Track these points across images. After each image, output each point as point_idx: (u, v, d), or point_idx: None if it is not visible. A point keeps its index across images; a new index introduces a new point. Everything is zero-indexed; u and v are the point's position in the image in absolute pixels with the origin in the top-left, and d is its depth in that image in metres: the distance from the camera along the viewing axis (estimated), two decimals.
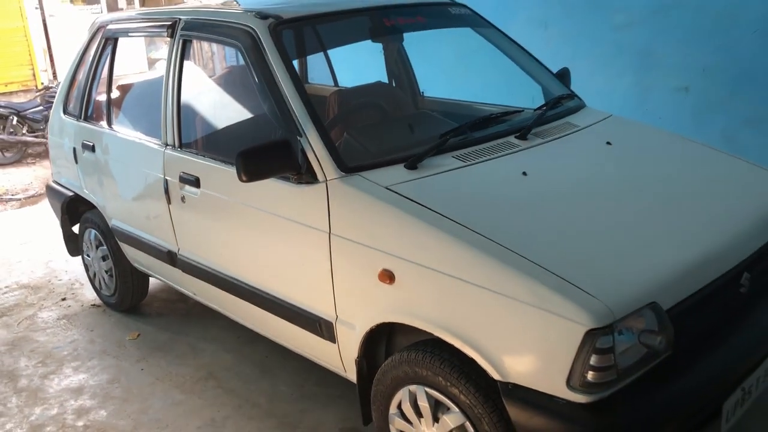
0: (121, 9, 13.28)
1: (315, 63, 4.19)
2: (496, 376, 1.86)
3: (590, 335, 1.69)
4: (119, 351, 3.45)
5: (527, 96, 3.12)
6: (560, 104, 2.95)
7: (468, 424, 2.00)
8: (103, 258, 3.74)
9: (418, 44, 4.77)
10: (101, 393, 3.09)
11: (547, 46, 5.00)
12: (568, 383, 1.73)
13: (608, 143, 2.60)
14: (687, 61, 4.39)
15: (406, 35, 3.94)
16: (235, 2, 3.54)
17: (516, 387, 1.82)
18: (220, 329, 3.56)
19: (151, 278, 3.77)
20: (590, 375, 1.71)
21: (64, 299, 4.09)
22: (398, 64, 3.67)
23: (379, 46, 3.62)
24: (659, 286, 1.84)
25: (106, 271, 3.77)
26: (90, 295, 4.08)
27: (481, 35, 3.25)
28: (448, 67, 5.17)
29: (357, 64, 4.10)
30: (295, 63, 3.76)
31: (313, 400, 2.91)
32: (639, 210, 2.18)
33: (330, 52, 3.96)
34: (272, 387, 3.03)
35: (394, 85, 3.70)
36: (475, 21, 3.22)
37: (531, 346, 1.80)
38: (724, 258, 2.03)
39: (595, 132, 2.70)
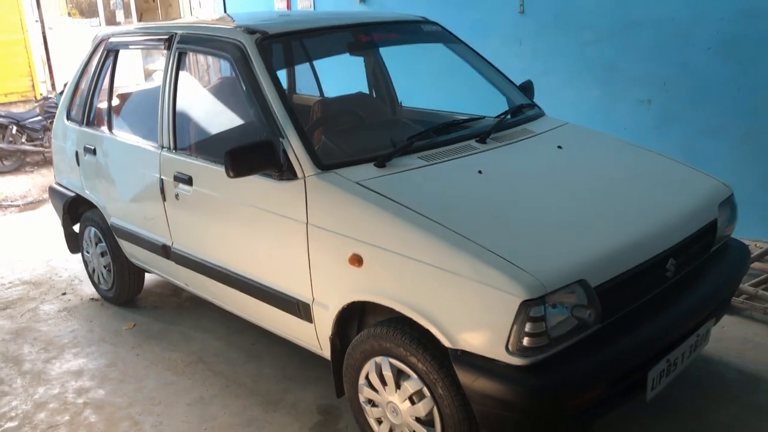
0: (119, 23, 13.62)
1: (304, 75, 4.49)
2: (447, 344, 2.14)
3: (524, 305, 1.97)
4: (116, 339, 3.72)
5: (494, 106, 3.41)
6: (521, 112, 3.25)
7: (425, 389, 2.28)
8: (102, 254, 4.02)
9: (402, 59, 5.11)
10: (99, 375, 3.35)
11: (521, 61, 5.33)
12: (507, 348, 2.01)
13: (559, 147, 2.90)
14: (649, 76, 4.71)
15: (390, 52, 4.27)
16: (229, 17, 3.85)
17: (464, 353, 2.11)
18: (211, 320, 3.83)
19: (146, 274, 4.05)
20: (525, 340, 2.00)
21: (64, 294, 4.36)
22: (377, 76, 3.97)
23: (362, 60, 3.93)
24: (588, 266, 2.13)
25: (105, 267, 4.04)
26: (89, 290, 4.35)
27: (451, 50, 3.55)
28: (429, 80, 5.49)
29: (345, 77, 4.40)
30: (285, 75, 4.13)
31: (295, 380, 3.19)
32: (577, 202, 2.48)
33: (321, 65, 4.26)
34: (257, 370, 3.30)
35: (374, 95, 4.00)
36: (446, 37, 3.53)
37: (475, 316, 2.08)
38: (650, 245, 2.32)
39: (549, 137, 3.00)
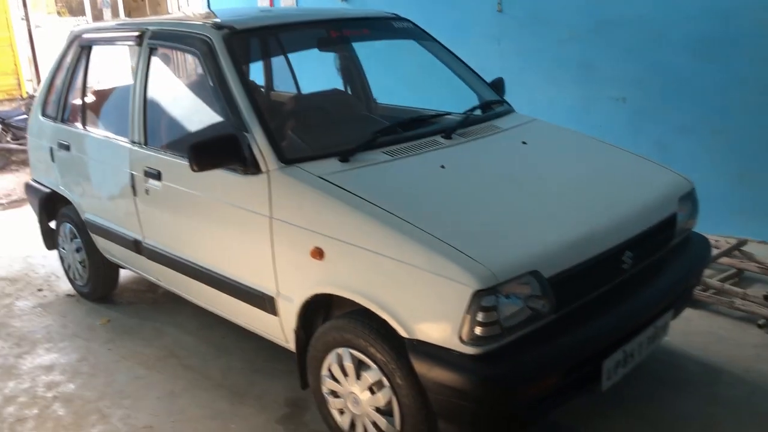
0: (107, 21, 13.59)
1: (282, 72, 4.51)
2: (403, 334, 2.17)
3: (477, 295, 2.00)
4: (90, 334, 3.74)
5: (467, 102, 3.43)
6: (490, 109, 3.29)
7: (384, 379, 2.30)
8: (77, 250, 4.03)
9: (382, 57, 5.14)
10: (70, 369, 3.37)
11: (500, 59, 5.38)
12: (460, 338, 2.04)
13: (524, 142, 2.94)
14: (624, 74, 4.77)
15: (369, 50, 4.30)
16: (212, 12, 3.87)
17: (419, 343, 2.13)
18: (185, 316, 3.85)
19: (122, 270, 4.07)
20: (478, 330, 2.03)
21: (40, 290, 4.37)
22: (353, 73, 4.00)
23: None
24: (542, 257, 2.16)
25: (80, 262, 4.06)
26: (65, 286, 4.36)
27: (423, 47, 3.58)
28: (409, 78, 5.51)
29: (331, 74, 4.42)
30: (261, 72, 4.16)
31: (263, 373, 3.21)
32: (535, 196, 2.52)
33: (306, 63, 4.28)
34: (227, 363, 3.33)
35: (349, 92, 4.03)
36: (418, 34, 3.56)
37: (430, 306, 2.11)
38: (605, 238, 2.36)
39: (515, 133, 3.04)
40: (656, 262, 2.62)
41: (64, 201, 4.04)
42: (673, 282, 2.60)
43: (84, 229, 3.88)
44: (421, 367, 2.12)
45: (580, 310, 2.28)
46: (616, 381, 2.39)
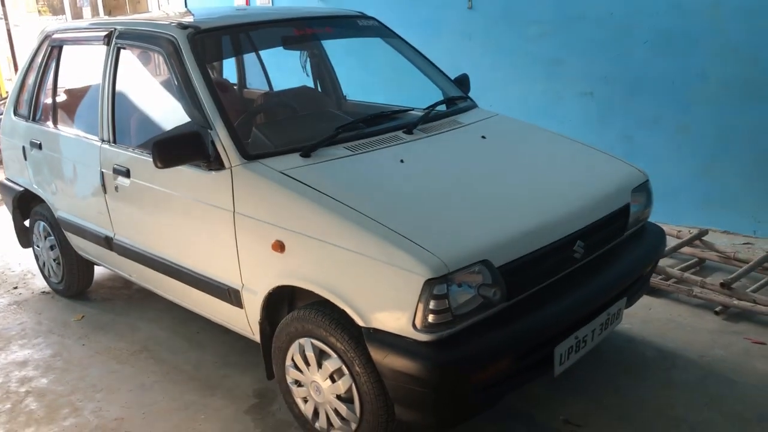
0: (79, 20, 13.53)
1: (254, 70, 4.56)
2: (360, 323, 2.24)
3: (428, 284, 2.08)
4: (64, 330, 3.78)
5: (433, 98, 3.51)
6: (454, 104, 3.37)
7: (344, 367, 2.38)
8: (51, 247, 4.08)
9: (354, 54, 5.21)
10: (44, 365, 3.42)
11: (471, 56, 5.47)
12: (414, 325, 2.12)
13: (483, 137, 3.02)
14: (590, 69, 4.87)
15: (341, 48, 4.36)
16: (188, 11, 3.92)
17: (375, 331, 2.21)
18: (158, 311, 3.91)
19: (97, 267, 4.12)
20: (430, 317, 2.10)
21: (15, 287, 4.41)
22: (322, 70, 4.07)
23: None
24: (492, 247, 2.24)
25: (54, 260, 4.10)
26: (41, 283, 4.40)
27: (389, 45, 3.65)
28: (382, 75, 5.58)
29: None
30: (233, 68, 4.22)
31: (234, 367, 3.28)
32: (490, 189, 2.61)
33: (283, 60, 4.34)
34: (199, 357, 3.39)
35: (319, 89, 4.10)
36: (383, 32, 3.63)
37: (385, 295, 2.19)
38: (556, 228, 2.44)
39: (475, 128, 3.12)
40: (610, 251, 2.72)
41: (38, 199, 4.09)
42: (625, 270, 2.69)
43: (57, 227, 3.92)
44: (378, 355, 2.20)
45: (533, 298, 2.37)
46: (569, 366, 2.48)
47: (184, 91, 2.82)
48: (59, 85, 3.86)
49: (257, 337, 2.78)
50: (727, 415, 2.70)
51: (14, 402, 3.11)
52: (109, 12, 14.76)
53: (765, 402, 2.77)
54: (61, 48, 3.83)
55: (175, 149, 2.61)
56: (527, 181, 2.71)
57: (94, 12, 13.65)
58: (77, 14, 14.46)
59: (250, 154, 2.64)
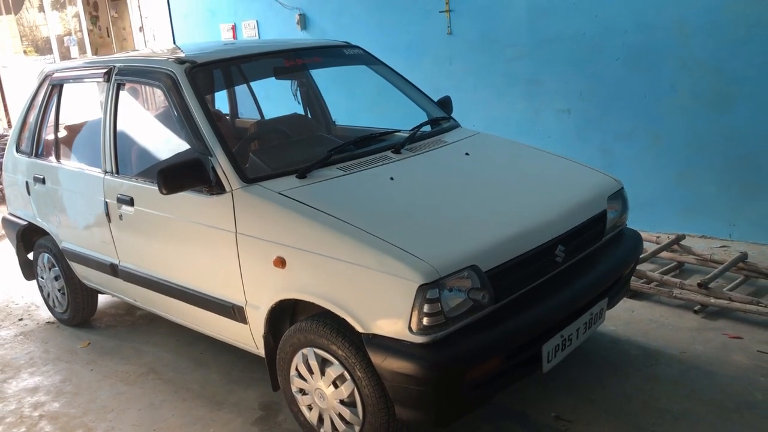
0: (76, 59, 13.74)
1: (246, 100, 4.75)
2: (360, 329, 2.41)
3: (422, 289, 2.25)
4: (71, 357, 3.91)
5: (417, 120, 3.69)
6: (438, 125, 3.57)
7: (346, 373, 2.53)
8: (56, 278, 4.22)
9: (341, 82, 5.43)
10: (54, 390, 3.54)
11: (452, 79, 5.70)
12: (410, 328, 2.28)
13: (467, 154, 3.22)
14: (567, 87, 5.10)
15: (328, 76, 4.56)
16: (177, 47, 4.11)
17: (374, 336, 2.37)
18: (162, 335, 4.05)
19: (100, 296, 4.26)
20: (425, 320, 2.27)
21: (21, 319, 4.53)
22: (311, 97, 4.27)
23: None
24: (480, 253, 2.42)
25: (59, 290, 4.24)
26: (45, 314, 4.53)
27: (374, 71, 3.86)
28: (368, 101, 5.81)
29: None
30: (225, 100, 4.41)
31: (239, 383, 3.41)
32: (475, 200, 2.79)
33: (272, 90, 4.53)
34: (204, 376, 3.53)
35: (309, 115, 4.29)
36: (369, 59, 3.84)
37: (381, 302, 2.35)
38: (538, 234, 2.63)
39: (459, 146, 3.31)
40: (589, 255, 2.90)
41: (41, 232, 4.24)
42: (604, 273, 2.87)
43: (62, 258, 4.07)
44: (377, 358, 2.36)
45: (519, 300, 2.54)
46: (556, 363, 2.64)
47: (184, 121, 3.01)
48: (60, 121, 4.03)
49: (261, 351, 2.92)
50: (708, 404, 2.87)
51: (29, 426, 3.23)
52: (96, 50, 14.98)
53: (743, 391, 2.94)
54: (61, 86, 4.00)
55: (179, 176, 2.79)
56: (509, 192, 2.91)
57: (82, 50, 13.87)
58: (64, 54, 14.67)
59: (249, 177, 2.82)
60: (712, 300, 3.62)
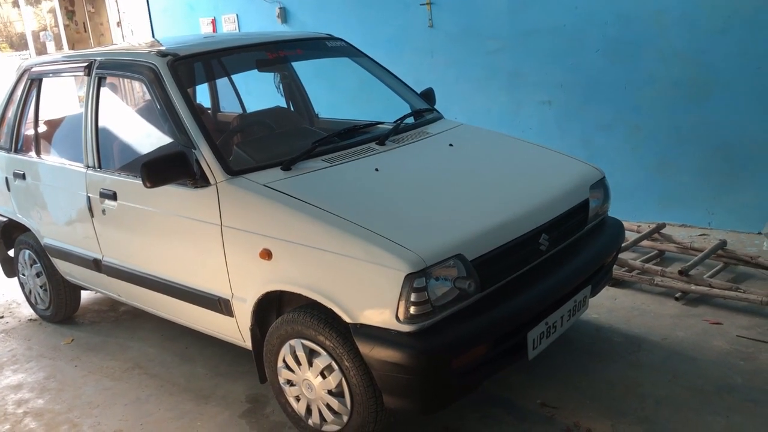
0: (54, 53, 13.57)
1: (228, 94, 4.73)
2: (347, 319, 2.42)
3: (409, 278, 2.26)
4: (55, 354, 3.88)
5: (400, 111, 3.70)
6: (421, 116, 3.58)
7: (333, 363, 2.55)
8: (38, 275, 4.18)
9: (321, 74, 5.42)
10: (38, 387, 3.52)
11: (434, 71, 5.72)
12: (397, 317, 2.30)
13: (450, 145, 3.23)
14: (548, 79, 5.14)
15: (311, 69, 4.55)
16: (156, 41, 4.08)
17: (362, 326, 2.38)
18: (147, 330, 4.03)
19: (83, 292, 4.23)
20: (412, 309, 2.28)
21: (2, 317, 4.48)
22: (294, 90, 4.26)
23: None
24: (465, 242, 2.44)
25: (41, 287, 4.20)
26: (27, 311, 4.49)
27: (357, 63, 3.86)
28: (351, 93, 5.81)
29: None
30: (206, 94, 4.39)
31: (225, 376, 3.41)
32: (459, 190, 2.81)
33: (248, 85, 4.52)
34: (190, 370, 3.52)
35: (292, 108, 4.28)
36: (351, 51, 3.84)
37: (369, 292, 2.36)
38: (522, 223, 2.65)
39: (442, 137, 3.33)
40: (572, 243, 2.93)
41: (22, 228, 4.19)
42: (588, 260, 2.91)
43: (44, 254, 4.03)
44: (365, 348, 2.37)
45: (504, 288, 2.57)
46: (541, 350, 2.68)
47: (167, 114, 2.99)
48: (40, 116, 3.99)
49: (248, 344, 2.93)
50: (689, 388, 2.92)
51: (13, 423, 3.21)
52: (72, 46, 14.81)
53: (722, 375, 2.99)
54: (40, 81, 3.96)
55: (163, 169, 2.77)
56: (493, 182, 2.93)
57: (58, 45, 13.70)
58: (40, 50, 14.49)
59: (233, 170, 2.82)
60: (693, 287, 3.68)
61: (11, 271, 4.48)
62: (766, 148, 4.29)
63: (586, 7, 4.79)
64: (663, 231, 4.42)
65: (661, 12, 4.47)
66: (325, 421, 2.68)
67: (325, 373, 2.59)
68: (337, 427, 2.65)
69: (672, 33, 4.46)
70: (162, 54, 3.13)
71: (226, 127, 4.01)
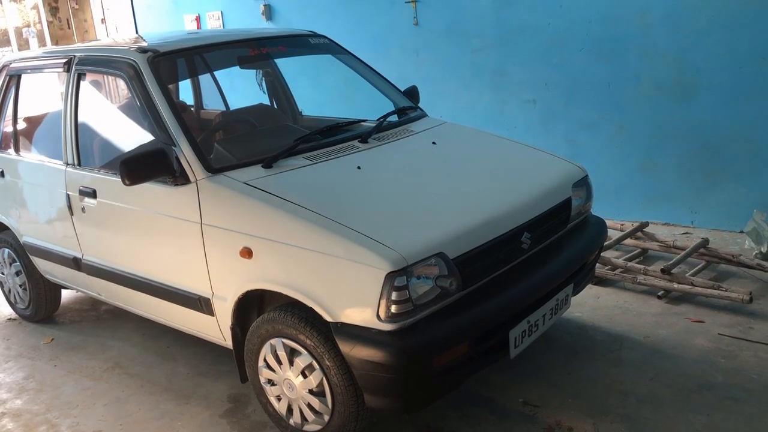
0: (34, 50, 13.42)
1: (210, 89, 4.69)
2: (328, 318, 2.40)
3: (389, 277, 2.25)
4: (34, 353, 3.83)
5: (384, 109, 3.68)
6: (405, 114, 3.57)
7: (314, 363, 2.53)
8: (17, 273, 4.13)
9: (305, 71, 5.39)
10: (17, 387, 3.47)
11: (419, 70, 5.70)
12: (378, 316, 2.28)
13: (433, 143, 3.22)
14: (532, 78, 5.14)
15: (295, 67, 4.52)
16: (139, 37, 4.04)
17: (343, 325, 2.37)
18: (127, 330, 3.99)
19: (63, 291, 4.18)
20: (393, 308, 2.27)
21: None
22: (277, 88, 4.23)
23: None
24: (446, 241, 2.43)
25: (20, 286, 4.15)
26: (6, 311, 4.43)
27: (340, 61, 3.84)
28: (336, 91, 5.79)
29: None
30: (189, 91, 4.35)
31: (207, 376, 3.38)
32: (442, 189, 2.80)
33: (231, 82, 4.48)
34: (172, 369, 3.49)
35: (275, 106, 4.25)
36: (334, 49, 3.82)
37: (349, 291, 2.35)
38: (504, 221, 2.64)
39: (426, 135, 3.32)
40: (555, 242, 2.93)
41: (1, 227, 4.13)
42: (570, 259, 2.91)
43: (23, 253, 3.98)
44: (346, 347, 2.35)
45: (486, 287, 2.56)
46: (523, 349, 2.67)
47: (147, 111, 2.96)
48: (19, 113, 3.94)
49: (229, 343, 2.90)
50: (671, 386, 2.93)
51: None
52: (56, 42, 14.68)
53: (704, 373, 3.00)
54: (19, 77, 3.91)
55: (142, 166, 2.74)
56: (475, 180, 2.92)
57: (41, 42, 13.57)
58: (23, 46, 14.35)
59: (213, 167, 2.79)
60: (675, 285, 3.69)
61: None
62: (749, 148, 4.32)
63: (571, 6, 4.80)
64: (646, 229, 4.43)
65: (645, 11, 4.48)
66: (306, 420, 2.66)
67: (306, 372, 2.57)
68: (319, 427, 2.63)
69: (656, 32, 4.48)
70: (142, 50, 3.10)
71: (208, 124, 3.98)
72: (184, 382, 3.36)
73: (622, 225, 4.52)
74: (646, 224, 4.46)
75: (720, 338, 3.27)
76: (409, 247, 2.33)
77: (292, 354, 2.61)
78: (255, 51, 3.51)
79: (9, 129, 3.95)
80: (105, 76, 3.44)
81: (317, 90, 5.61)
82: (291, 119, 4.12)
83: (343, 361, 2.41)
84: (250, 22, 6.88)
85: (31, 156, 3.82)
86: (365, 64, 3.87)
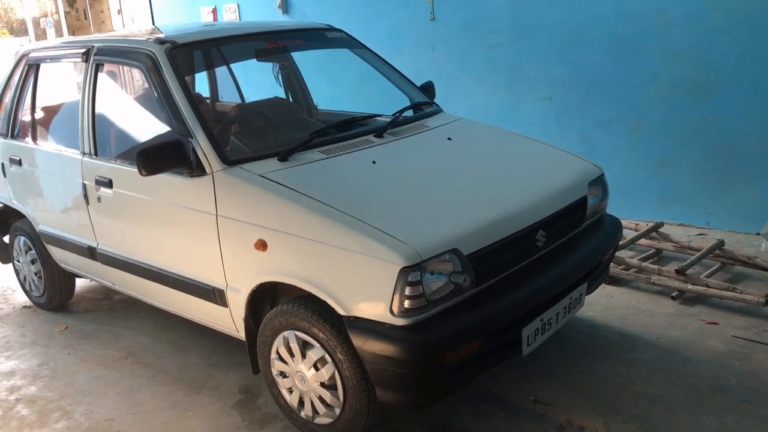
0: (53, 39, 13.52)
1: (226, 82, 4.70)
2: (341, 312, 2.40)
3: (403, 272, 2.25)
4: (48, 341, 3.87)
5: (400, 104, 3.68)
6: (420, 109, 3.56)
7: (327, 356, 2.53)
8: (32, 261, 4.16)
9: (321, 65, 5.39)
10: (31, 374, 3.51)
11: (435, 65, 5.69)
12: (391, 311, 2.28)
13: (449, 138, 3.22)
14: (548, 75, 5.12)
15: (312, 61, 4.51)
16: (156, 29, 4.06)
17: (356, 319, 2.37)
18: (141, 319, 4.02)
19: (77, 280, 4.21)
20: (406, 303, 2.27)
21: None
22: (293, 81, 4.23)
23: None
24: (461, 237, 2.42)
25: (35, 274, 4.18)
26: (21, 298, 4.47)
27: (357, 55, 3.84)
28: (351, 86, 5.79)
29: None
30: (205, 83, 4.36)
31: (218, 367, 3.40)
32: (457, 185, 2.80)
33: (246, 76, 4.47)
34: (184, 360, 3.51)
35: (291, 99, 4.26)
36: (351, 43, 3.82)
37: (363, 285, 2.35)
38: (519, 218, 2.64)
39: (441, 131, 3.31)
40: (569, 240, 2.92)
41: (17, 215, 4.17)
42: (585, 257, 2.89)
43: (39, 241, 4.01)
44: (358, 341, 2.36)
45: (500, 284, 2.55)
46: (536, 347, 2.66)
47: (164, 102, 2.97)
48: (37, 102, 3.96)
49: (242, 335, 2.91)
50: (683, 388, 2.91)
51: (5, 409, 3.19)
52: (73, 32, 14.75)
53: (717, 375, 2.99)
54: (38, 66, 3.93)
55: (159, 157, 2.75)
56: (491, 177, 2.91)
57: (59, 32, 13.65)
58: (40, 36, 14.45)
59: (230, 159, 2.80)
60: (689, 286, 3.67)
61: (6, 258, 4.46)
62: (766, 149, 4.28)
63: (589, 3, 4.77)
64: (661, 230, 4.41)
65: (664, 10, 4.44)
66: (318, 413, 2.67)
67: (318, 365, 2.58)
68: (330, 420, 2.64)
69: (674, 31, 4.44)
70: (160, 41, 3.11)
71: (224, 116, 3.99)
72: (196, 372, 3.38)
73: (636, 225, 4.50)
74: (661, 224, 4.43)
75: (734, 340, 3.25)
76: (423, 243, 2.33)
77: (304, 347, 2.62)
78: (272, 44, 3.51)
79: (27, 118, 3.98)
80: (123, 67, 3.44)
81: (333, 84, 5.61)
82: (306, 113, 4.13)
83: (356, 354, 2.42)
84: (267, 15, 6.88)
85: (48, 145, 3.85)
86: (382, 58, 3.86)
